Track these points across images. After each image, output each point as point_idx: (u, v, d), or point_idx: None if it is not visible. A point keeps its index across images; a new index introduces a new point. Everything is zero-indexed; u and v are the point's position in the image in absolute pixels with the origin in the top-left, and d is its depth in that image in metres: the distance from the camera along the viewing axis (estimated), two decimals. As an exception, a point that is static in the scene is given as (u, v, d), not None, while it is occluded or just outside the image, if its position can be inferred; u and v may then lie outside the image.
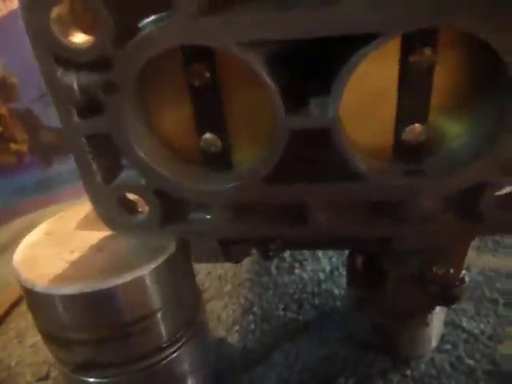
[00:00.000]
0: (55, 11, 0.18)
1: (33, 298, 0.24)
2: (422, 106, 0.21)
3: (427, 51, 0.19)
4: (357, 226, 0.23)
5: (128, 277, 0.23)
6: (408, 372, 0.30)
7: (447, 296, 0.26)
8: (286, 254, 0.43)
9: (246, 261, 0.42)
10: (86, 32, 0.19)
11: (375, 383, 0.29)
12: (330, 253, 0.43)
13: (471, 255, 0.39)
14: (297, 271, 0.41)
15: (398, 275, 0.27)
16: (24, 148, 0.64)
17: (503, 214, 0.21)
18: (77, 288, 0.22)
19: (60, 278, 0.23)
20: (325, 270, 0.41)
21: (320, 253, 0.43)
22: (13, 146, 0.63)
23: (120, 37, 0.18)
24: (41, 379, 0.32)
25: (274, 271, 0.41)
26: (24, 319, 0.39)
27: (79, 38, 0.19)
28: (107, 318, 0.23)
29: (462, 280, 0.26)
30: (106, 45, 0.18)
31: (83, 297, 0.22)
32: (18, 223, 0.61)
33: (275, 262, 0.42)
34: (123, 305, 0.23)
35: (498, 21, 0.16)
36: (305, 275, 0.41)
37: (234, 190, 0.22)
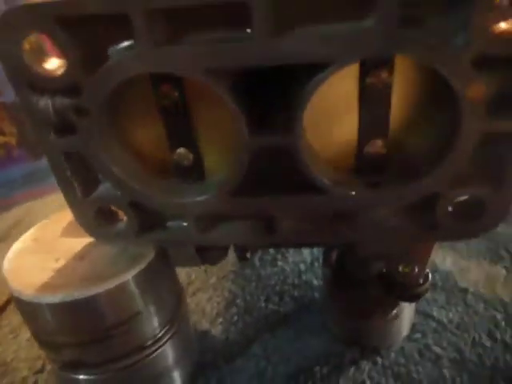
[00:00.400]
0: (27, 42, 0.19)
1: (21, 305, 0.25)
2: (382, 122, 0.22)
3: (383, 73, 0.20)
4: (321, 235, 0.24)
5: (109, 284, 0.24)
6: (379, 360, 0.32)
7: (411, 294, 0.28)
8: (269, 246, 0.45)
9: (231, 254, 0.44)
10: (59, 56, 0.20)
11: (347, 371, 0.31)
12: (311, 245, 0.45)
13: (445, 246, 0.41)
14: (279, 263, 0.43)
15: (364, 275, 0.29)
16: (12, 141, 0.64)
17: (457, 222, 0.23)
18: (61, 296, 0.24)
19: (45, 287, 0.24)
20: (306, 261, 0.43)
21: (301, 245, 0.45)
22: (1, 139, 0.64)
23: (89, 65, 0.19)
24: (37, 372, 0.34)
25: (257, 263, 0.43)
26: (18, 315, 0.40)
27: (52, 64, 0.20)
28: (90, 322, 0.25)
29: (426, 278, 0.28)
30: (75, 73, 0.19)
31: (67, 305, 0.24)
32: (8, 217, 0.62)
33: (259, 254, 0.44)
34: (105, 310, 0.25)
35: (446, 51, 0.17)
36: (287, 267, 0.42)
37: (203, 203, 0.23)
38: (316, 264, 0.42)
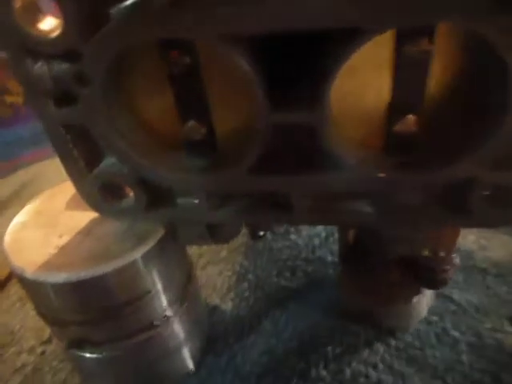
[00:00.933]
0: (19, 1, 0.17)
1: (23, 283, 0.24)
2: (417, 96, 0.20)
3: (423, 41, 0.18)
4: (342, 216, 0.23)
5: (117, 263, 0.23)
6: (393, 342, 0.31)
7: (436, 280, 0.26)
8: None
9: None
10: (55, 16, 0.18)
11: (361, 353, 0.31)
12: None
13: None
14: (292, 236, 0.42)
15: (385, 257, 0.27)
16: (19, 100, 0.62)
17: (491, 209, 0.21)
18: (66, 276, 0.23)
19: (49, 265, 0.23)
20: (320, 235, 0.41)
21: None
22: (8, 99, 0.62)
23: (89, 26, 0.17)
24: (44, 343, 0.34)
25: (269, 236, 0.42)
26: (26, 281, 0.40)
27: (48, 24, 0.18)
28: (97, 302, 0.24)
29: (453, 264, 0.26)
30: (73, 35, 0.17)
31: (73, 284, 0.23)
32: (17, 177, 0.61)
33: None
34: (113, 290, 0.24)
35: (498, 20, 0.15)
36: (300, 241, 0.41)
37: (216, 180, 0.21)
38: (331, 239, 0.41)
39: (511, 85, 0.17)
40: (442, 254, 0.26)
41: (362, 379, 0.29)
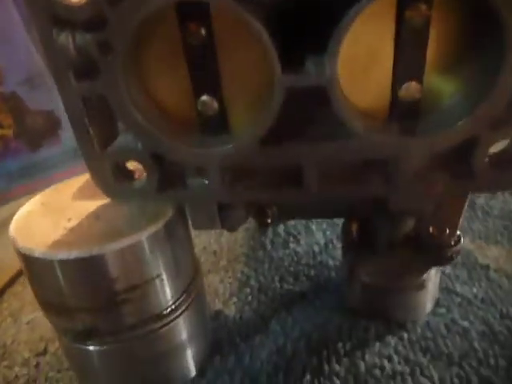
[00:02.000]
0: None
1: (31, 265, 0.24)
2: (419, 62, 0.21)
3: (422, 6, 0.19)
4: (350, 186, 0.23)
5: (126, 242, 0.23)
6: (404, 335, 0.30)
7: (443, 256, 0.26)
8: (280, 228, 0.43)
9: (241, 236, 0.43)
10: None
11: (372, 347, 0.30)
12: (324, 226, 0.43)
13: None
14: (291, 245, 0.41)
15: (392, 237, 0.27)
16: (9, 133, 0.62)
17: (495, 171, 0.22)
18: (75, 253, 0.22)
19: (58, 244, 0.23)
20: (319, 243, 0.41)
21: (314, 226, 0.43)
22: (-2, 132, 0.62)
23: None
24: (39, 354, 0.32)
25: (268, 246, 0.42)
26: (18, 299, 0.38)
27: (75, -6, 0.19)
28: (105, 283, 0.23)
29: (458, 239, 0.27)
30: (101, 2, 0.18)
31: (81, 262, 0.22)
32: (5, 210, 0.60)
33: (270, 236, 0.43)
34: (121, 270, 0.23)
35: None
36: (299, 249, 0.41)
37: (230, 152, 0.22)
38: (330, 246, 0.41)
39: (505, 45, 0.18)
40: (448, 230, 0.26)
41: (377, 371, 0.28)
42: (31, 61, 0.58)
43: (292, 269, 0.38)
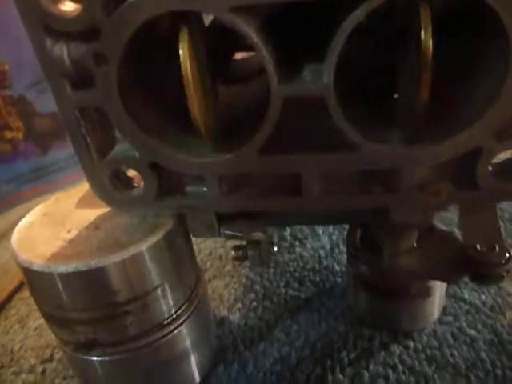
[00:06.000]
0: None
1: (31, 278, 0.24)
2: (421, 70, 0.20)
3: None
4: (351, 197, 0.23)
5: (126, 253, 0.23)
6: (410, 344, 0.30)
7: (492, 275, 0.25)
8: (286, 232, 0.43)
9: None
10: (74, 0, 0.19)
11: (377, 356, 0.29)
12: (330, 230, 0.43)
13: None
14: (297, 249, 0.41)
15: (396, 248, 0.27)
16: (19, 136, 0.63)
17: (499, 181, 0.21)
18: (74, 265, 0.22)
19: (58, 257, 0.23)
20: (325, 247, 0.41)
21: (320, 230, 0.43)
22: (8, 134, 0.62)
23: (107, 4, 0.18)
24: (45, 361, 0.32)
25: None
26: (25, 305, 0.39)
27: (68, 6, 0.19)
28: (106, 295, 0.23)
29: (510, 256, 0.25)
30: (94, 12, 0.18)
31: (81, 274, 0.22)
32: (15, 212, 0.61)
33: (275, 240, 0.42)
34: (122, 282, 0.23)
35: None
36: (305, 253, 0.40)
37: (229, 161, 0.22)
38: (336, 250, 0.40)
39: (509, 47, 0.17)
40: (496, 247, 0.25)
41: (381, 381, 0.28)
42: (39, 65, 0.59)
43: (297, 274, 0.38)
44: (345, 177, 0.23)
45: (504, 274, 0.25)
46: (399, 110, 0.21)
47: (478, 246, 0.25)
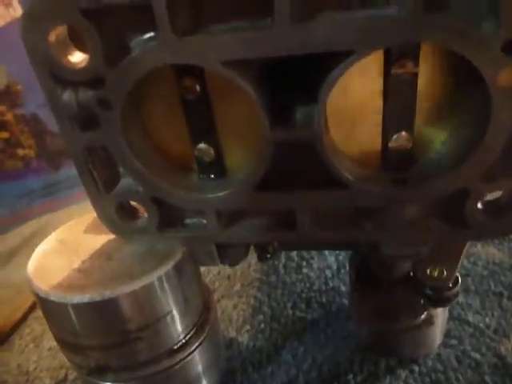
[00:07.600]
0: (53, 34, 0.19)
1: (47, 307, 0.25)
2: (408, 114, 0.21)
3: (409, 63, 0.19)
4: (343, 232, 0.24)
5: (137, 284, 0.24)
6: (415, 368, 0.30)
7: (440, 298, 0.26)
8: (293, 253, 0.44)
9: (254, 260, 0.43)
10: (83, 50, 0.20)
11: (383, 380, 0.30)
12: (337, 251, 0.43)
13: (477, 249, 0.40)
14: (304, 270, 0.42)
15: (390, 278, 0.27)
16: (31, 153, 0.64)
17: (488, 220, 0.21)
18: (88, 297, 0.23)
19: (72, 287, 0.24)
20: (331, 267, 0.42)
21: (327, 251, 0.43)
22: (20, 152, 0.64)
23: (112, 57, 0.19)
24: (60, 382, 0.33)
25: (281, 270, 0.42)
26: (40, 324, 0.40)
27: (76, 57, 0.20)
28: (118, 323, 0.24)
29: (456, 282, 0.26)
30: (98, 65, 0.19)
31: (95, 304, 0.23)
32: (27, 227, 0.62)
33: (283, 261, 0.43)
34: (133, 311, 0.24)
35: (475, 37, 0.16)
36: (312, 274, 0.41)
37: (226, 198, 0.23)
38: (343, 271, 0.41)
39: (490, 98, 0.18)
40: (445, 272, 0.26)
41: (386, 405, 0.28)
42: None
43: (304, 295, 0.39)
44: (337, 212, 0.24)
45: (451, 297, 0.26)
46: (387, 153, 0.22)
47: (428, 271, 0.26)
